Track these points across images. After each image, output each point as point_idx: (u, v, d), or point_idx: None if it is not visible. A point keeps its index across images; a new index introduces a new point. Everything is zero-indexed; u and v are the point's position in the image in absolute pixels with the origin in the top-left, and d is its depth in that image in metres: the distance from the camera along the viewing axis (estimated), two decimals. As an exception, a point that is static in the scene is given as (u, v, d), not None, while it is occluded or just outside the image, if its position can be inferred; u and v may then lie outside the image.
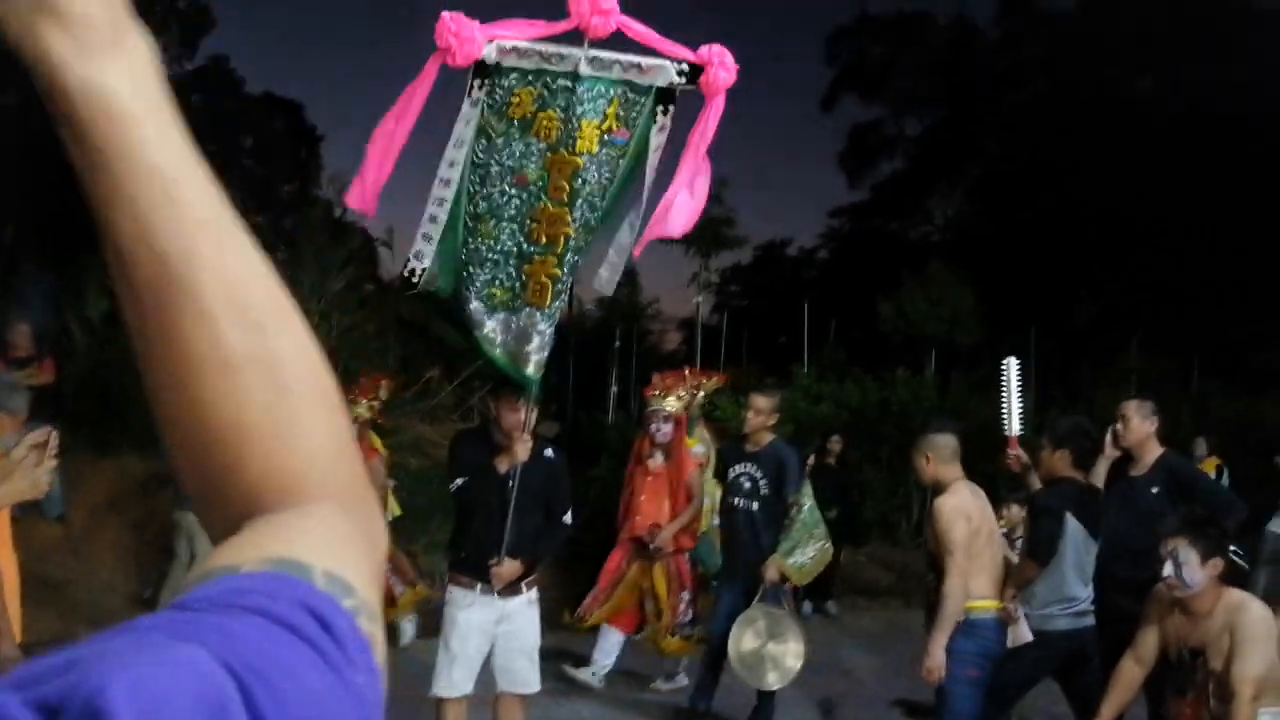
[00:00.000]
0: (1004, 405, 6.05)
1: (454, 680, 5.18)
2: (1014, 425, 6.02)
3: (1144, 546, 4.53)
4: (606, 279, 4.76)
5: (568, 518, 5.45)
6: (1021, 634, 5.15)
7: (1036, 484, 5.96)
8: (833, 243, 38.12)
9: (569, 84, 4.41)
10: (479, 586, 5.10)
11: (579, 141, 4.45)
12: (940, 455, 5.25)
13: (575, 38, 4.41)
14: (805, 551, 6.55)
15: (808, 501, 6.64)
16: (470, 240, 4.58)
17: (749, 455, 6.66)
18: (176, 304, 0.67)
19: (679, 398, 7.35)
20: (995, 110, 33.09)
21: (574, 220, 4.50)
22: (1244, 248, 25.47)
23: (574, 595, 7.82)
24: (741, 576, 6.58)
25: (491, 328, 4.60)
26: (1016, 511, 6.85)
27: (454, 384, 12.65)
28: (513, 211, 4.53)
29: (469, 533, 5.20)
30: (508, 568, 5.03)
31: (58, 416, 6.61)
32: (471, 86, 4.44)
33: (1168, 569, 4.13)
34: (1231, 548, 5.18)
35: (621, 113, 4.46)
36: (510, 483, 4.96)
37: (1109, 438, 5.85)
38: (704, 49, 4.35)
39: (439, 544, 10.21)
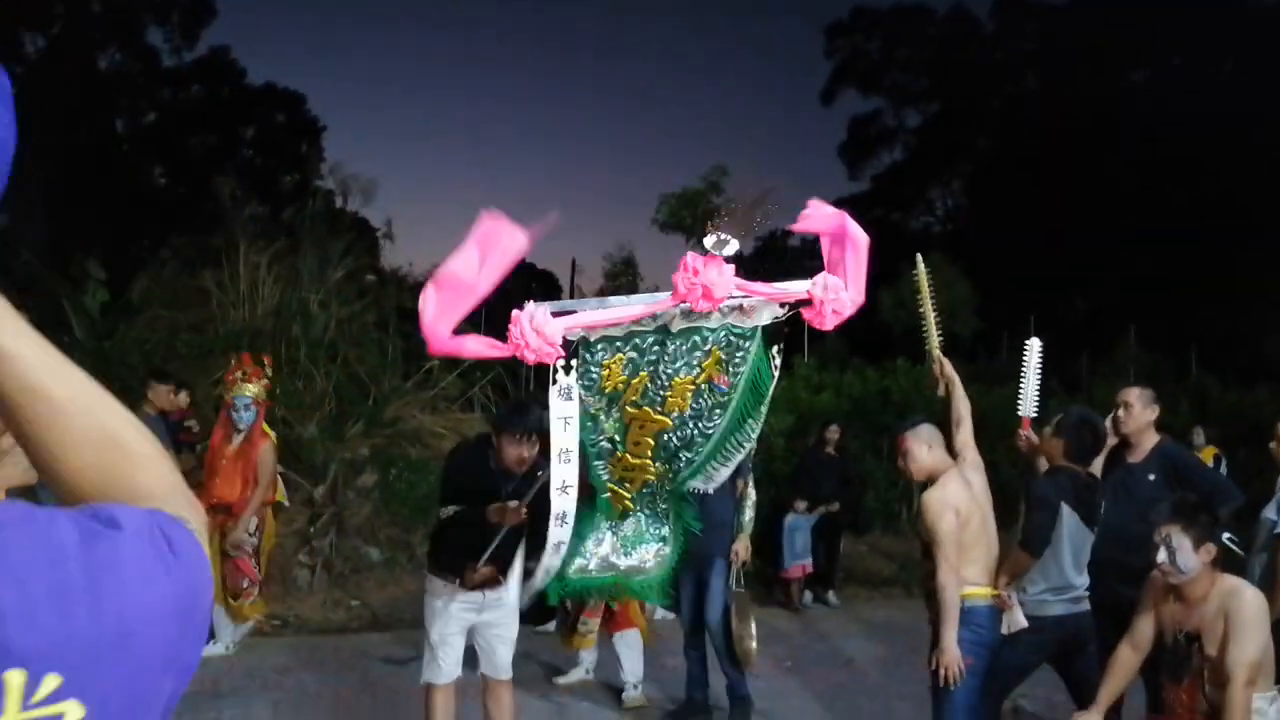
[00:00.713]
0: (1022, 385, 6.02)
1: (440, 666, 5.26)
2: (1029, 407, 5.99)
3: (1141, 534, 4.54)
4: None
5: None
6: (1016, 620, 5.16)
7: (1044, 466, 6.00)
8: (833, 234, 38.07)
9: (660, 341, 3.85)
10: (457, 580, 5.18)
11: (669, 400, 3.91)
12: (931, 439, 5.27)
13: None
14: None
15: (752, 490, 7.03)
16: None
17: None
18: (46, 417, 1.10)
19: None
20: (992, 102, 33.12)
21: (655, 467, 4.06)
22: (1240, 239, 25.53)
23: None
24: (696, 564, 6.45)
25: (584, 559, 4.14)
26: None
27: (455, 374, 12.65)
28: (604, 443, 4.05)
29: (447, 545, 5.26)
30: (482, 574, 5.11)
31: None
32: (555, 375, 3.75)
33: (1161, 555, 4.15)
34: (1227, 535, 5.21)
35: (724, 358, 3.85)
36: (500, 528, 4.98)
37: (1108, 424, 5.85)
38: (819, 278, 3.81)
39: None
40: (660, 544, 4.19)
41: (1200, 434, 12.57)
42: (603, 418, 3.97)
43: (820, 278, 3.79)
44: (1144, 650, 4.45)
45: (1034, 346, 6.08)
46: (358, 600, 9.48)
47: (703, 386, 3.87)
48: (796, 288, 3.80)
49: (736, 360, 3.83)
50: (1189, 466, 6.08)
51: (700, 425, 3.91)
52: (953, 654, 4.96)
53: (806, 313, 3.78)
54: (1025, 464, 6.22)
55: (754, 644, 6.56)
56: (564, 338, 3.65)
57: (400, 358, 12.65)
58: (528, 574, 5.11)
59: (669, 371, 3.86)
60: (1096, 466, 5.77)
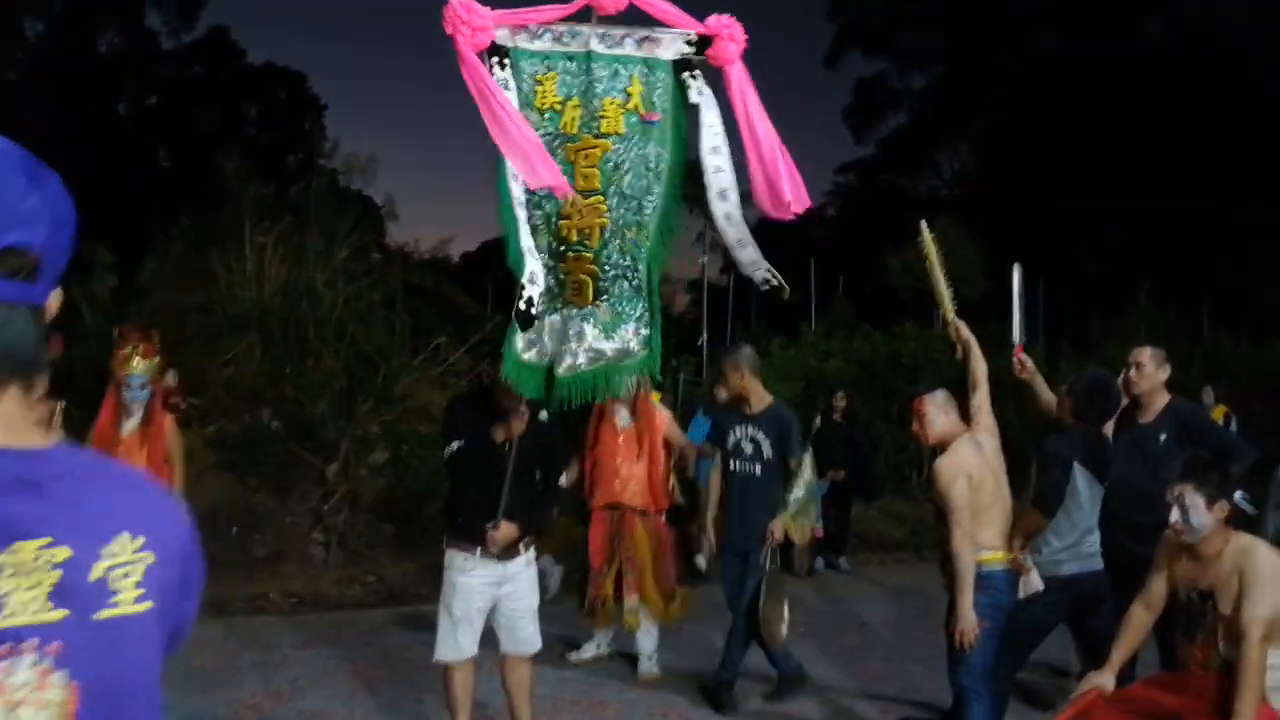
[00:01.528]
0: (1010, 312, 6.03)
1: (460, 644, 5.19)
2: (1018, 333, 6.01)
3: (1153, 492, 4.54)
4: (751, 261, 4.46)
5: (563, 481, 5.46)
6: (1033, 583, 5.17)
7: (1045, 392, 6.02)
8: (840, 199, 38.03)
9: (584, 64, 4.18)
10: (478, 550, 5.10)
11: (603, 122, 4.20)
12: (946, 405, 5.28)
13: (582, 16, 4.20)
14: (811, 512, 6.66)
15: (806, 460, 6.56)
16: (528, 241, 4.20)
17: (749, 418, 6.49)
18: None
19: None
20: (999, 62, 32.84)
21: (610, 208, 4.24)
22: (1252, 195, 25.36)
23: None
24: (741, 541, 6.45)
25: (530, 337, 4.33)
26: None
27: (463, 349, 12.66)
28: (548, 210, 4.27)
29: (464, 499, 5.18)
30: (504, 531, 5.03)
31: (66, 393, 6.67)
32: (492, 67, 4.09)
33: (1174, 514, 4.13)
34: (1240, 494, 5.20)
35: (645, 93, 4.20)
36: (507, 449, 4.97)
37: (1119, 384, 5.85)
38: (711, 19, 4.19)
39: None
40: (637, 323, 4.34)
41: (1210, 393, 12.56)
42: (548, 140, 4.12)
43: (720, 18, 4.18)
44: (1157, 609, 4.44)
45: (1016, 273, 6.09)
46: (373, 576, 9.52)
47: (632, 118, 4.18)
48: (692, 21, 4.19)
49: (657, 92, 4.19)
50: (1201, 425, 6.06)
51: (638, 161, 4.20)
52: (969, 619, 4.97)
53: (711, 51, 4.17)
54: (1043, 422, 6.20)
55: (784, 627, 6.40)
56: (493, 41, 4.07)
57: (408, 334, 12.66)
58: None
59: (598, 91, 4.16)
60: (1107, 427, 5.77)
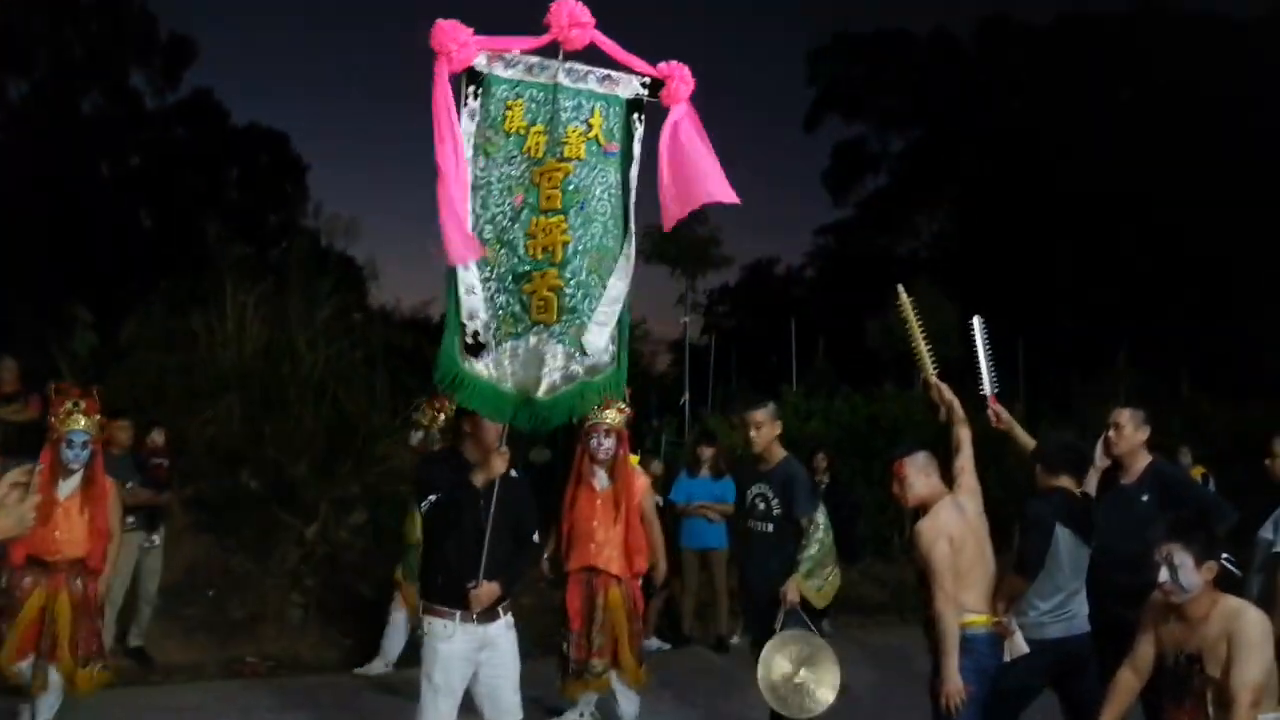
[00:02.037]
0: (977, 365, 6.04)
1: (440, 713, 5.06)
2: (989, 384, 6.00)
3: (1136, 554, 4.53)
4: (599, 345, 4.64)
5: (535, 537, 5.43)
6: (1018, 646, 5.14)
7: (1025, 438, 5.99)
8: (820, 261, 38.24)
9: (550, 95, 4.53)
10: (458, 615, 5.00)
11: (566, 148, 4.53)
12: (927, 467, 5.28)
13: (551, 51, 4.57)
14: (823, 574, 6.18)
15: (823, 521, 6.18)
16: (481, 269, 4.47)
17: (762, 475, 6.28)
18: None
19: (619, 411, 6.89)
20: (977, 125, 33.23)
21: (571, 228, 4.51)
22: (1229, 258, 25.64)
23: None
24: (758, 602, 6.22)
25: (493, 360, 4.50)
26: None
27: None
28: (513, 234, 4.50)
29: (442, 557, 5.08)
30: (486, 590, 4.95)
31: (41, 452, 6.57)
32: (466, 96, 4.45)
33: (1163, 574, 4.12)
34: (1224, 556, 5.20)
35: (605, 125, 4.60)
36: (487, 499, 4.93)
37: (1100, 446, 5.86)
38: (663, 64, 4.64)
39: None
40: (607, 340, 4.59)
41: (1187, 454, 12.59)
42: (513, 163, 4.52)
43: (670, 64, 4.65)
44: (1145, 673, 4.41)
45: (977, 325, 6.12)
46: (351, 639, 9.40)
47: (592, 146, 4.57)
48: (646, 66, 4.65)
49: (614, 128, 4.60)
50: (1182, 485, 6.07)
51: (596, 183, 4.57)
52: (955, 683, 4.93)
53: (665, 92, 4.66)
54: (1028, 471, 6.19)
55: (831, 694, 5.89)
56: (473, 68, 4.43)
57: (389, 395, 12.61)
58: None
59: (563, 120, 4.52)
60: (1090, 487, 5.77)
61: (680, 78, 4.65)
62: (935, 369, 5.63)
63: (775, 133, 66.34)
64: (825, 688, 5.83)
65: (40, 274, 20.35)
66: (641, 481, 7.19)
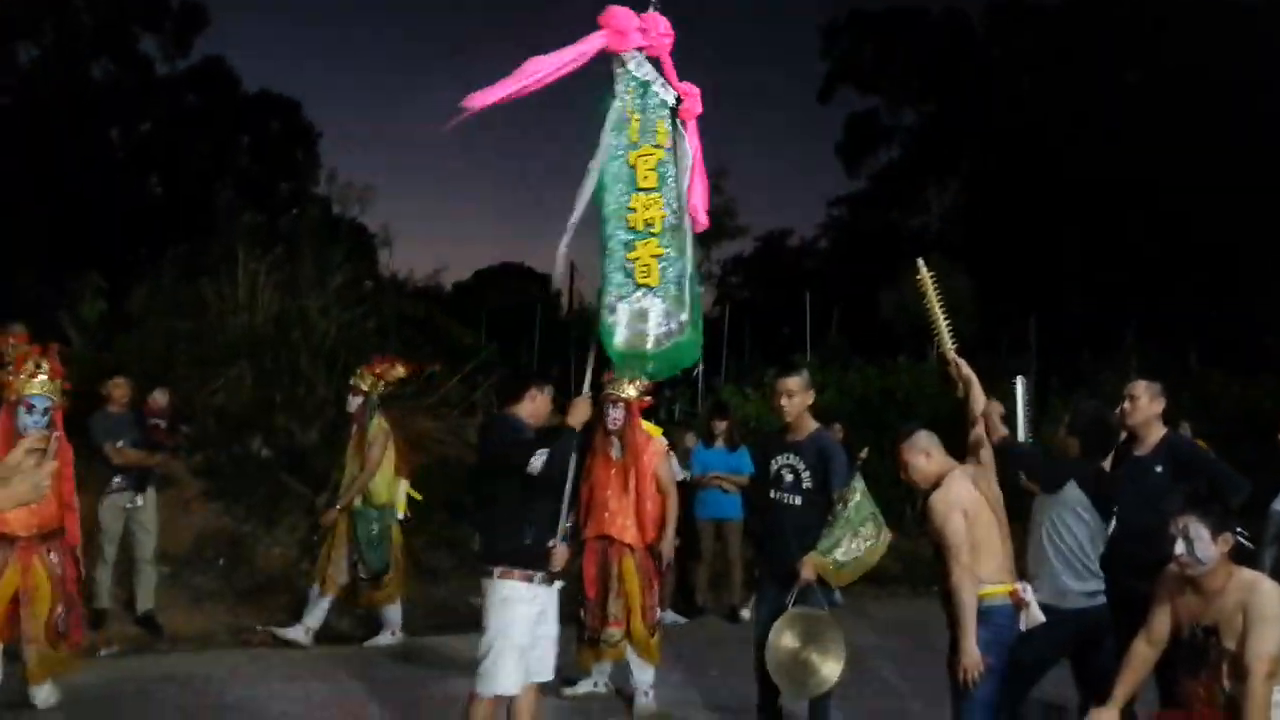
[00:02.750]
0: (1017, 422, 6.00)
1: (514, 676, 5.17)
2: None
3: (1151, 526, 4.52)
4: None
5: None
6: (1034, 616, 5.11)
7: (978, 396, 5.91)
8: (833, 232, 38.20)
9: (642, 88, 5.02)
10: (538, 576, 5.14)
11: (656, 135, 5.01)
12: (929, 447, 5.24)
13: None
14: (847, 549, 5.83)
15: (857, 496, 5.91)
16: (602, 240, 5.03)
17: (791, 446, 6.06)
18: None
19: (632, 382, 6.87)
20: (988, 102, 33.13)
21: (666, 204, 5.00)
22: (1238, 233, 25.55)
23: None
24: (781, 577, 5.94)
25: (612, 320, 4.96)
26: None
27: (456, 378, 12.62)
28: (616, 207, 4.97)
29: (533, 516, 5.19)
30: (561, 550, 5.15)
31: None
32: (617, 76, 4.98)
33: (1179, 547, 4.10)
34: (1237, 529, 5.17)
35: (669, 122, 5.06)
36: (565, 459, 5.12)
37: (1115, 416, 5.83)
38: (684, 84, 5.06)
39: (444, 539, 10.20)
40: (690, 305, 5.04)
41: (1187, 428, 12.47)
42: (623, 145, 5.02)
43: (684, 85, 5.05)
44: (1160, 645, 4.40)
45: (1020, 385, 6.07)
46: (361, 609, 9.41)
47: (668, 134, 5.04)
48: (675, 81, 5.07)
49: (670, 125, 5.05)
50: (1196, 458, 6.04)
51: (675, 171, 5.04)
52: (973, 656, 4.92)
53: (682, 109, 5.06)
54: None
55: (833, 675, 5.73)
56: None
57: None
58: None
59: (650, 108, 5.01)
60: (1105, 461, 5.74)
61: (696, 98, 5.06)
62: (954, 344, 5.57)
63: (791, 102, 66.19)
64: (831, 661, 5.72)
65: (50, 240, 20.40)
66: (656, 448, 7.17)
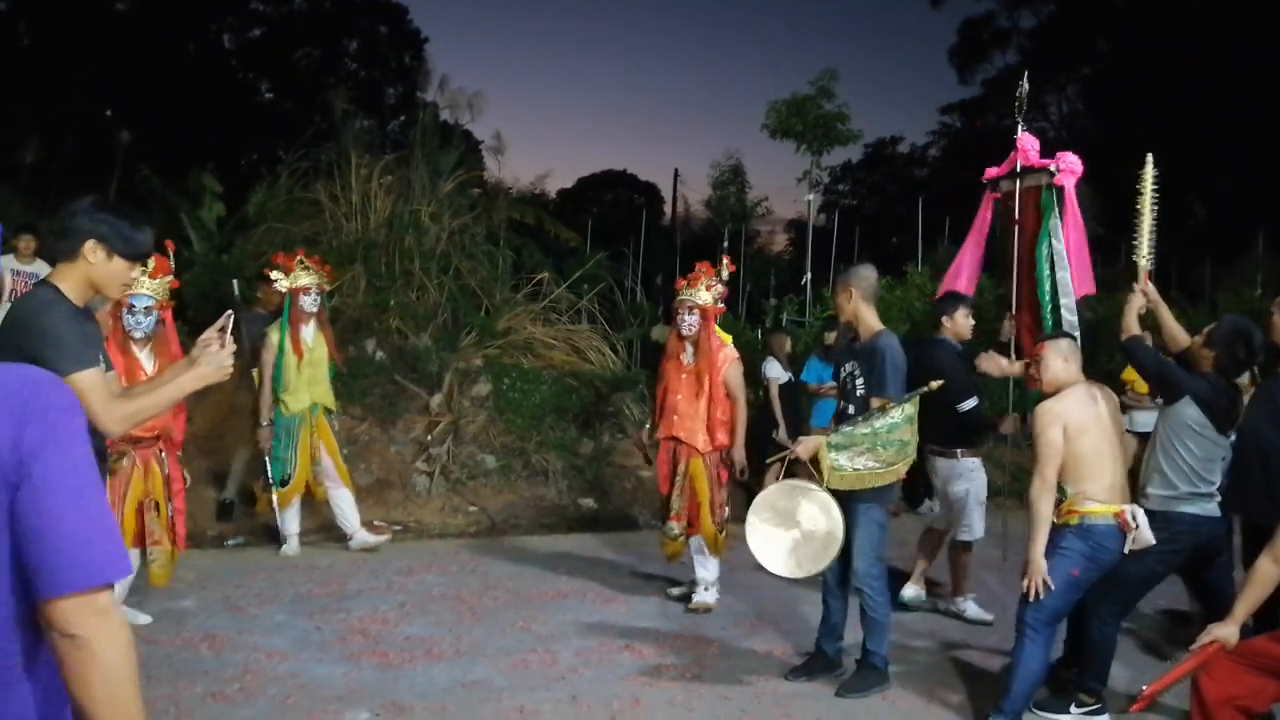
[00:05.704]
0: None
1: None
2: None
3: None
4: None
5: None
6: (1143, 538, 5.02)
7: (1170, 322, 5.84)
8: (944, 140, 37.38)
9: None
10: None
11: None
12: (1069, 354, 5.21)
13: None
14: (854, 460, 5.40)
15: (896, 416, 5.40)
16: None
17: (854, 352, 5.78)
18: None
19: (708, 288, 7.02)
20: (1111, 2, 31.85)
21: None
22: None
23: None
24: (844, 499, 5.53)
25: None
26: None
27: (564, 285, 12.69)
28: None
29: (976, 422, 7.31)
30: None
31: (176, 321, 6.59)
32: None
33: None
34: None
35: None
36: None
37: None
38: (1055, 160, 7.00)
39: (551, 443, 10.35)
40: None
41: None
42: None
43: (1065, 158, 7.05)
44: (1287, 563, 4.31)
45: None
46: (475, 506, 9.63)
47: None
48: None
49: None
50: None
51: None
52: (1039, 565, 4.95)
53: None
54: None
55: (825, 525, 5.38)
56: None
57: (510, 270, 12.73)
58: None
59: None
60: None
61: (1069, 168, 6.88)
62: (1150, 256, 5.55)
63: (902, 7, 64.49)
64: (822, 522, 5.40)
65: (170, 145, 20.78)
66: (728, 355, 7.15)
